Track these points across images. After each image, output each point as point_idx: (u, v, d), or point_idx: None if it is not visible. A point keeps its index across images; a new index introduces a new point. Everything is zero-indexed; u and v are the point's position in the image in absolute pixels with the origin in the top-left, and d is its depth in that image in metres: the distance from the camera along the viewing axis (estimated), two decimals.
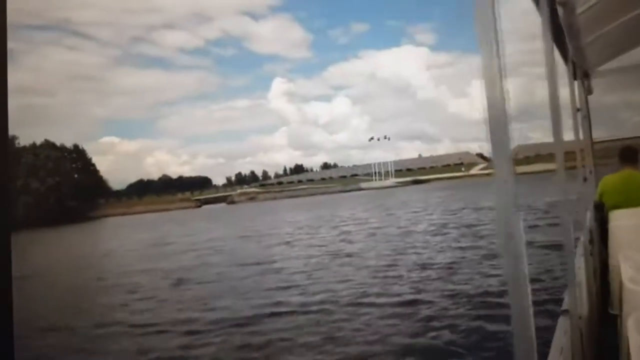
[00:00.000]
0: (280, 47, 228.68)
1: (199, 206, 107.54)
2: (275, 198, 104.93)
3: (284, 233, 22.92)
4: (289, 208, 52.44)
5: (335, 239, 18.26)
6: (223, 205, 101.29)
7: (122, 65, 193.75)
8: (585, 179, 4.92)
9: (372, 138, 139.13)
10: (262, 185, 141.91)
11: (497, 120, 0.99)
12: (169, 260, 16.99)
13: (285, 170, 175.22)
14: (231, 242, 21.58)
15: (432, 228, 18.61)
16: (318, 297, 9.00)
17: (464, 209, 26.50)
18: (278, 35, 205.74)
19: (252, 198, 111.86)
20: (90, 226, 57.61)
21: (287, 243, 18.59)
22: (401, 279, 9.83)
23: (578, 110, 4.60)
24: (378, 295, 8.75)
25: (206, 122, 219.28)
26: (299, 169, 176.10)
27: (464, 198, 36.46)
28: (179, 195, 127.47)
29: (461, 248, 13.04)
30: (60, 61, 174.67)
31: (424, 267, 10.87)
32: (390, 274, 10.53)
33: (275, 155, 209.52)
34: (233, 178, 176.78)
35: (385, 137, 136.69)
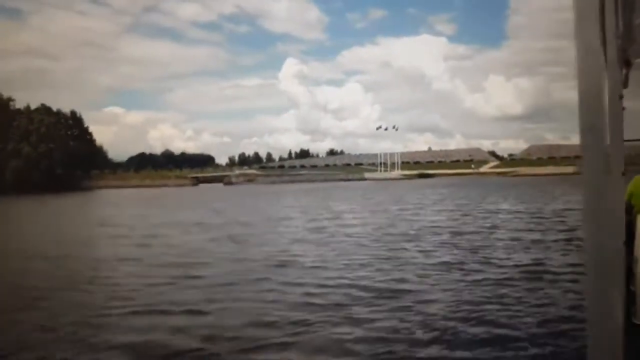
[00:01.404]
0: (294, 26, 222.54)
1: (196, 184, 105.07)
2: (274, 182, 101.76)
3: (237, 222, 19.74)
4: (277, 193, 49.88)
5: (298, 230, 15.15)
6: (220, 185, 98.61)
7: (133, 33, 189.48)
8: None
9: (379, 127, 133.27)
10: (262, 168, 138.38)
11: (598, 108, 0.90)
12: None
13: (290, 154, 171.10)
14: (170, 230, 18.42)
15: (412, 232, 15.26)
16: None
17: (460, 211, 23.18)
18: (293, 14, 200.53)
19: (250, 180, 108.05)
20: (70, 198, 54.81)
21: (230, 237, 15.39)
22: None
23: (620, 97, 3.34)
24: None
25: (214, 98, 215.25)
26: (304, 154, 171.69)
27: (468, 196, 33.25)
28: (177, 172, 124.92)
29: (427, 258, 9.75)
30: (69, 25, 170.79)
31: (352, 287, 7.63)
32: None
33: (281, 138, 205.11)
34: (236, 158, 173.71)
35: (393, 127, 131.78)
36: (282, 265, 10.24)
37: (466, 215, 19.85)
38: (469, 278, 8.41)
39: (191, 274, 9.53)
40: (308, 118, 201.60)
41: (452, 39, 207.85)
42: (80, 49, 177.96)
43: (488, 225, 16.20)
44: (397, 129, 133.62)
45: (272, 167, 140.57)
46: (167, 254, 12.07)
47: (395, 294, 7.52)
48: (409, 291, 7.65)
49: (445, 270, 9.21)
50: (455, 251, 11.26)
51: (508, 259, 10.06)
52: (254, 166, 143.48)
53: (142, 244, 14.20)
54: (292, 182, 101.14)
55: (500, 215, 19.15)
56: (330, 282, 8.41)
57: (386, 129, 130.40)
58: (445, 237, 13.72)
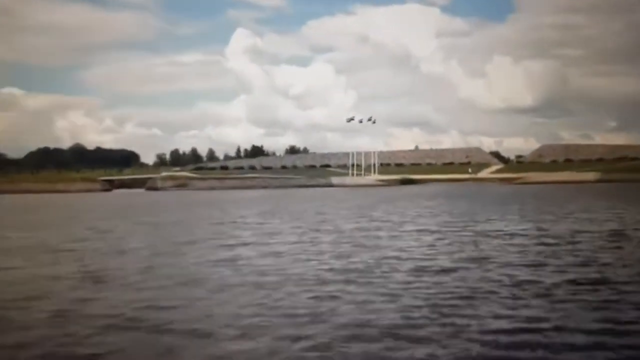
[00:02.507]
0: None
1: (108, 190, 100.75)
2: (212, 188, 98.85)
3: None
4: (209, 204, 47.04)
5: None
6: (141, 191, 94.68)
7: None
8: None
9: (352, 119, 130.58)
10: (199, 169, 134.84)
11: None
12: None
13: (238, 151, 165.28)
14: None
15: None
16: None
17: (440, 233, 20.80)
18: None
19: (181, 185, 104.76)
20: None
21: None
22: None
23: None
24: None
25: (141, 78, 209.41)
26: (257, 152, 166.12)
27: (457, 210, 30.99)
28: (88, 173, 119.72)
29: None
30: None
31: None
32: None
33: (228, 131, 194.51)
34: (167, 156, 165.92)
35: (370, 120, 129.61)
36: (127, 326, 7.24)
37: (445, 240, 17.32)
38: None
39: None
40: (263, 106, 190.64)
41: (446, 9, 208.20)
42: None
43: (474, 255, 13.67)
44: (374, 122, 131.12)
45: (212, 169, 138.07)
46: None
47: None
48: None
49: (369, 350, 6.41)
50: (409, 306, 8.46)
51: (485, 330, 7.29)
52: (189, 167, 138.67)
53: None
54: (237, 188, 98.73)
55: (495, 241, 16.77)
56: None
57: (361, 122, 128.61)
58: (400, 276, 11.00)
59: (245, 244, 17.30)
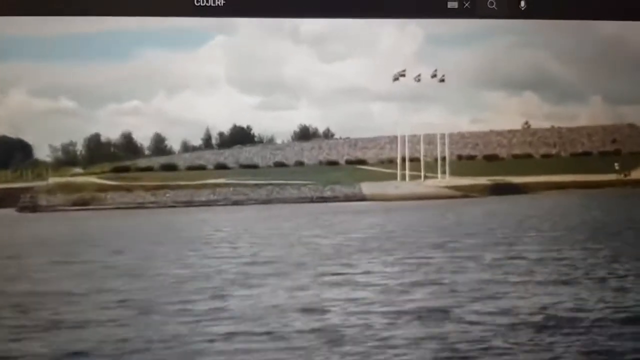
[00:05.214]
0: None
1: None
2: (142, 205, 63.17)
3: None
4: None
5: None
6: (10, 213, 59.00)
7: None
8: None
9: (401, 75, 76.62)
10: (120, 170, 78.49)
11: None
12: None
13: (208, 137, 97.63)
14: None
15: None
16: None
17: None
18: None
19: (83, 202, 64.55)
20: None
21: None
22: None
23: None
24: None
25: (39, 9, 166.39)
26: (242, 137, 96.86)
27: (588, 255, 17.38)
28: None
29: None
30: None
31: None
32: None
33: (193, 102, 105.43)
34: (79, 147, 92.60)
35: (435, 77, 76.50)
36: None
37: None
38: None
39: None
40: (255, 56, 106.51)
41: None
42: None
43: None
44: (442, 80, 76.87)
45: (146, 169, 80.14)
46: None
47: None
48: None
49: None
50: None
51: None
52: (105, 165, 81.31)
53: None
54: (187, 204, 63.05)
55: None
56: None
57: (418, 80, 76.16)
58: None
59: None
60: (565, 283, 13.36)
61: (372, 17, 4.01)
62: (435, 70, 75.50)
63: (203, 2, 3.70)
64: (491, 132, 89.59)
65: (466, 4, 3.80)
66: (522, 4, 3.82)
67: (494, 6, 3.81)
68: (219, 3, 3.71)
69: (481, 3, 3.80)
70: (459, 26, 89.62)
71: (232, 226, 34.36)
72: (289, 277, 15.32)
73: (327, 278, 14.99)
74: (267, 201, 63.62)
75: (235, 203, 63.15)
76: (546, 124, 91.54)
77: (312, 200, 64.05)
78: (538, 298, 11.80)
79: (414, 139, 75.43)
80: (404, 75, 75.75)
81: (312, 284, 14.34)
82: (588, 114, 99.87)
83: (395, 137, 78.20)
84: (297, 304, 11.86)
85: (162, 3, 3.78)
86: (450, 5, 3.80)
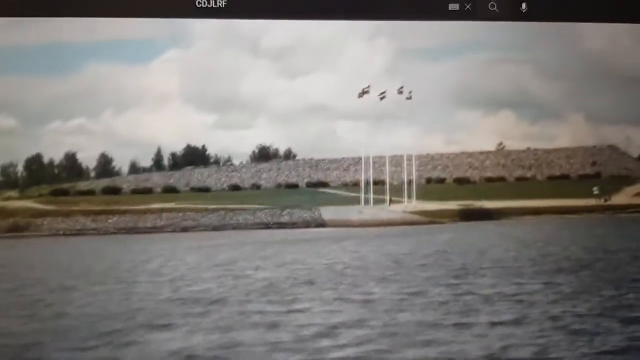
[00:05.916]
0: None
1: None
2: (83, 232, 60.23)
3: None
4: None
5: None
6: None
7: None
8: None
9: (365, 92, 72.19)
10: (59, 194, 75.46)
11: None
12: None
13: (159, 157, 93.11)
14: None
15: None
16: None
17: None
18: None
19: (16, 228, 60.51)
20: None
21: None
22: None
23: None
24: None
25: None
26: (194, 157, 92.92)
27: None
28: None
29: None
30: None
31: None
32: None
33: (144, 120, 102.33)
34: (20, 169, 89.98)
35: (400, 93, 71.58)
36: None
37: None
38: None
39: None
40: (212, 71, 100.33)
41: None
42: None
43: None
44: (408, 97, 71.77)
45: (87, 193, 77.04)
46: None
47: None
48: None
49: None
50: None
51: None
52: (43, 188, 77.96)
53: None
54: (128, 231, 60.07)
55: None
56: None
57: (382, 98, 71.05)
58: None
59: None
60: (516, 323, 11.72)
61: (373, 19, 4.18)
62: (402, 87, 71.37)
63: (204, 3, 3.81)
64: (462, 153, 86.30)
65: (467, 6, 3.94)
66: (523, 6, 3.95)
67: (495, 8, 3.95)
68: (220, 4, 3.83)
69: (482, 5, 3.94)
70: (432, 40, 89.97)
71: (165, 256, 31.62)
72: (208, 315, 13.41)
73: (246, 317, 13.09)
74: (219, 227, 60.25)
75: (184, 229, 59.92)
76: (523, 145, 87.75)
77: (268, 226, 60.65)
78: (485, 341, 10.29)
79: (380, 161, 72.22)
80: (367, 92, 71.46)
81: (232, 322, 12.62)
82: (567, 134, 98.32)
83: (360, 159, 74.42)
84: (211, 347, 10.32)
85: (162, 4, 3.89)
86: (452, 7, 3.94)
